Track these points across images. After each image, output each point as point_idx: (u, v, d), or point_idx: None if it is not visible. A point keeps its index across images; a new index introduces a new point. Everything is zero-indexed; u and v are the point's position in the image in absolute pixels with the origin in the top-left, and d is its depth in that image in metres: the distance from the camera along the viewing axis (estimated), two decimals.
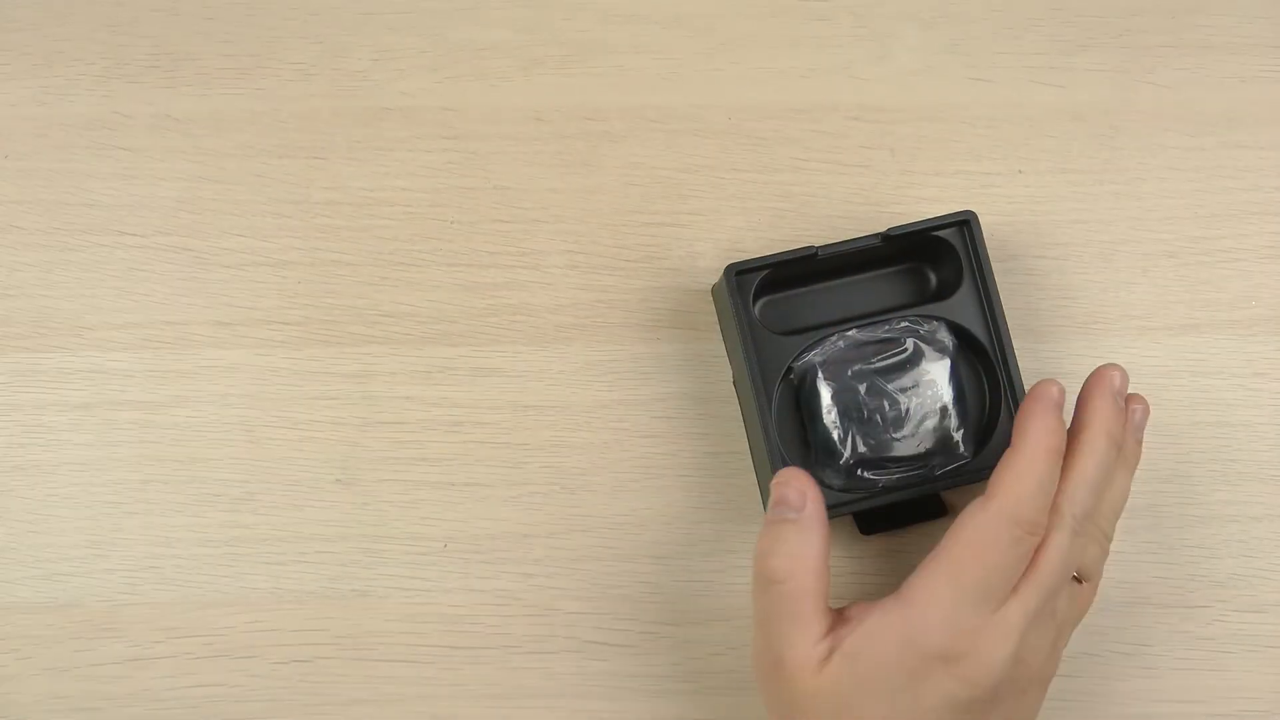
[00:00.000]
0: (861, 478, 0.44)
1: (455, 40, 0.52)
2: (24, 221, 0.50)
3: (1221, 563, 0.48)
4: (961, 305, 0.45)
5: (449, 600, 0.47)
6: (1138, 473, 0.44)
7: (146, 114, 0.51)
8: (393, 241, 0.50)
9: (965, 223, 0.45)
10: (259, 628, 0.47)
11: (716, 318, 0.48)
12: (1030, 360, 0.49)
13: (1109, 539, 0.42)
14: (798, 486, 0.40)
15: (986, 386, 0.46)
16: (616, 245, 0.50)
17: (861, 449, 0.44)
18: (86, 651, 0.47)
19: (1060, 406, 0.40)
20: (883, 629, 0.38)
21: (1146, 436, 0.43)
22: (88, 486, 0.48)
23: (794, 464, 0.43)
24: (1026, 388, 0.41)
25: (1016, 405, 0.44)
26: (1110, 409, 0.41)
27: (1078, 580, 0.41)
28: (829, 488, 0.44)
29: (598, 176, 0.50)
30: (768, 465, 0.44)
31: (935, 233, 0.45)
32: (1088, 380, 0.42)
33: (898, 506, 0.44)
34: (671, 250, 0.50)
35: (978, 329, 0.45)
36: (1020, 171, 0.51)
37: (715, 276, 0.47)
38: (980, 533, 0.38)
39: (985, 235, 0.45)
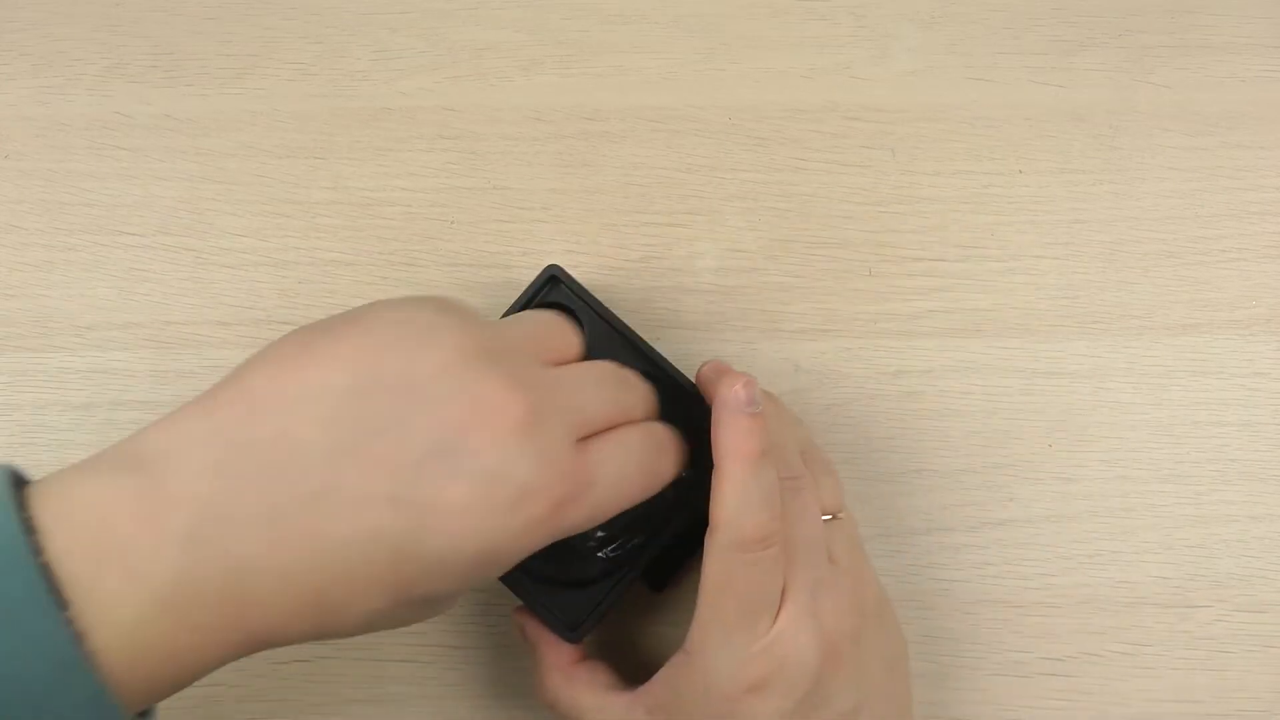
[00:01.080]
0: (611, 557, 0.42)
1: (455, 40, 0.52)
2: (24, 221, 0.50)
3: (1221, 563, 0.48)
4: (604, 345, 0.42)
5: None
6: (1139, 473, 0.44)
7: (146, 114, 0.51)
8: (393, 241, 0.50)
9: (552, 279, 0.43)
10: None
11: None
12: (1029, 360, 0.49)
13: (828, 462, 0.42)
14: (517, 623, 0.43)
15: (673, 399, 0.42)
16: (616, 245, 0.50)
17: (597, 534, 0.42)
18: None
19: (745, 402, 0.37)
20: (682, 684, 0.38)
21: (1148, 436, 0.45)
22: None
23: (541, 587, 0.42)
24: (695, 378, 0.41)
25: (698, 399, 0.41)
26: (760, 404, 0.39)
27: (833, 517, 0.41)
28: (592, 583, 0.42)
29: (598, 176, 0.50)
30: None
31: (541, 300, 0.43)
32: (721, 398, 0.38)
33: (664, 555, 0.42)
34: (671, 250, 0.50)
35: (627, 358, 0.42)
36: (1020, 171, 0.51)
37: (715, 276, 0.47)
38: (719, 570, 0.37)
39: (985, 234, 0.45)
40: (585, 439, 0.35)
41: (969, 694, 0.47)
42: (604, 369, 0.38)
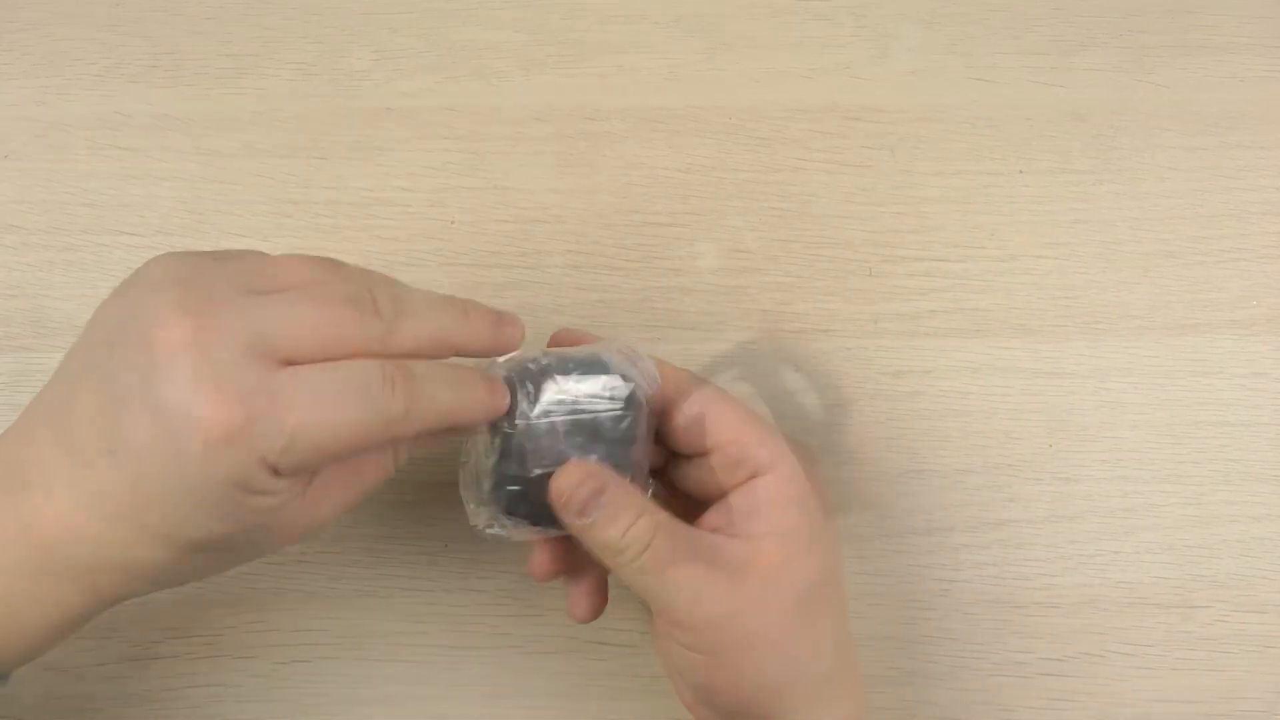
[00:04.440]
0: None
1: (455, 40, 0.52)
2: (24, 221, 0.50)
3: (1221, 563, 0.48)
4: None
5: (450, 600, 0.47)
6: (1139, 473, 0.45)
7: (146, 114, 0.51)
8: (393, 241, 0.50)
9: None
10: (260, 628, 0.47)
11: (711, 321, 0.48)
12: (1029, 360, 0.49)
13: None
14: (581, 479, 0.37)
15: None
16: (616, 245, 0.50)
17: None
18: (86, 651, 0.47)
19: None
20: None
21: (1149, 436, 0.45)
22: None
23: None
24: None
25: None
26: None
27: None
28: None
29: (598, 176, 0.50)
30: None
31: None
32: None
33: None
34: (671, 250, 0.50)
35: None
36: (1020, 171, 0.51)
37: (715, 276, 0.47)
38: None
39: (985, 234, 0.45)
40: (294, 364, 0.32)
41: (969, 694, 0.47)
42: (335, 291, 0.34)
